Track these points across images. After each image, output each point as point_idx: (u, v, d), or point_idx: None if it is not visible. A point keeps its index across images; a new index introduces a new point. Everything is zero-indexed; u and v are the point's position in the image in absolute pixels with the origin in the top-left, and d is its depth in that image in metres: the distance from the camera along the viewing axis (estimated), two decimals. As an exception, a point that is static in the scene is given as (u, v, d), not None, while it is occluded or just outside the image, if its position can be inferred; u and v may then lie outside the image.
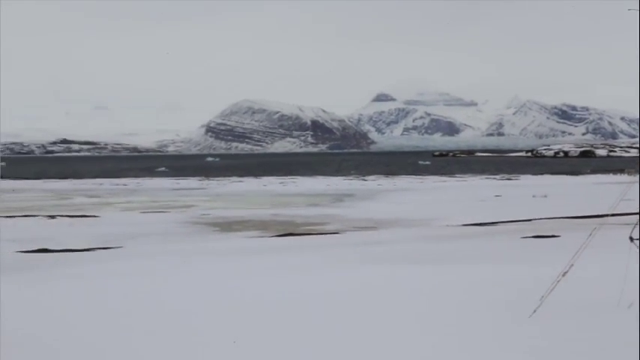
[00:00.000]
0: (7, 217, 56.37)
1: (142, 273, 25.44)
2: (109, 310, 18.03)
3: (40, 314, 18.16)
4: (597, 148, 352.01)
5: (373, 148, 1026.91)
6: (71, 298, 20.18)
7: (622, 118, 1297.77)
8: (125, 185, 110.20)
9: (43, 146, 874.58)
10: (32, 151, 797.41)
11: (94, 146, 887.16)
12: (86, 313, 17.55)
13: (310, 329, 14.76)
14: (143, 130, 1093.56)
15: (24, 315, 17.76)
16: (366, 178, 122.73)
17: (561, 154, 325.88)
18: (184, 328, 15.82)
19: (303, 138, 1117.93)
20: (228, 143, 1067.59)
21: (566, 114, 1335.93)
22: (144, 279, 23.70)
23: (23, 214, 59.10)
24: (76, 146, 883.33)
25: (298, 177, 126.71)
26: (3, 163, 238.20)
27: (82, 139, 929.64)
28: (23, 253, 33.74)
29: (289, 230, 44.77)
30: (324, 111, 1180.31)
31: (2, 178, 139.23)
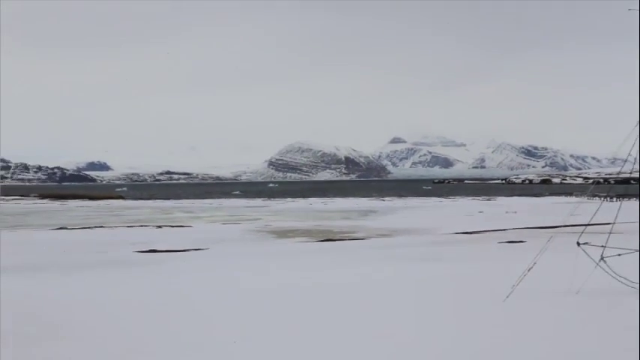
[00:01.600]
0: (127, 226, 56.87)
1: (223, 267, 25.90)
2: (202, 291, 18.85)
3: (159, 293, 18.82)
4: (553, 177, 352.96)
5: (390, 177, 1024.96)
6: (177, 283, 21.05)
7: (571, 155, 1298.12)
8: (210, 204, 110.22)
9: (153, 176, 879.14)
10: (145, 180, 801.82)
11: (188, 176, 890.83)
12: (188, 293, 18.30)
13: (346, 306, 15.16)
14: (224, 164, 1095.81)
15: (149, 294, 18.40)
16: (384, 198, 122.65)
17: (527, 181, 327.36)
18: (258, 302, 16.69)
19: (338, 170, 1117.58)
20: (284, 173, 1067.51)
21: (530, 152, 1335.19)
22: (225, 270, 24.57)
23: (139, 224, 59.43)
24: (175, 176, 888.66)
25: (335, 198, 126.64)
26: (124, 188, 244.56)
27: (180, 170, 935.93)
28: (139, 253, 33.94)
29: (328, 236, 44.62)
30: (353, 150, 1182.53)
31: (124, 199, 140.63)
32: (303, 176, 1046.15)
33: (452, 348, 10.41)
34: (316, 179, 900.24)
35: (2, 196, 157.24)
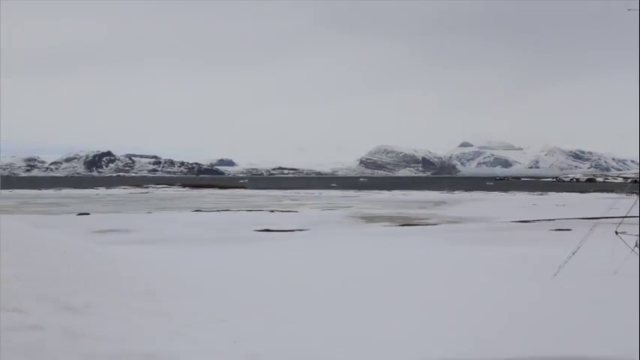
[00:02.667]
0: (247, 210, 57.66)
1: (322, 244, 25.89)
2: (307, 262, 18.45)
3: (274, 261, 18.58)
4: (597, 176, 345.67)
5: (458, 175, 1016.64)
6: (286, 254, 20.64)
7: (613, 159, 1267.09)
8: (312, 194, 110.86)
9: (268, 171, 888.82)
10: (262, 174, 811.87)
11: (295, 171, 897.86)
12: (296, 262, 17.71)
13: (429, 276, 14.94)
14: (324, 162, 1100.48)
15: (266, 262, 18.12)
16: (454, 192, 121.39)
17: (574, 180, 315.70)
18: (355, 269, 16.32)
19: (415, 168, 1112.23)
20: (372, 170, 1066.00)
21: (577, 155, 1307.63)
22: (324, 247, 24.42)
23: (257, 209, 60.12)
24: (286, 171, 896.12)
25: (413, 191, 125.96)
26: (246, 180, 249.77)
27: (290, 166, 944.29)
28: (257, 232, 34.54)
29: (407, 222, 44.47)
30: (429, 151, 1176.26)
31: (246, 188, 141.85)
32: (387, 173, 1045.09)
33: (509, 312, 10.39)
34: (398, 175, 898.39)
35: (154, 184, 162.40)
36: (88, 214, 50.51)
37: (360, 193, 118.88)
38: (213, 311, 8.86)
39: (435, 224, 41.98)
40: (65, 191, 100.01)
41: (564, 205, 68.57)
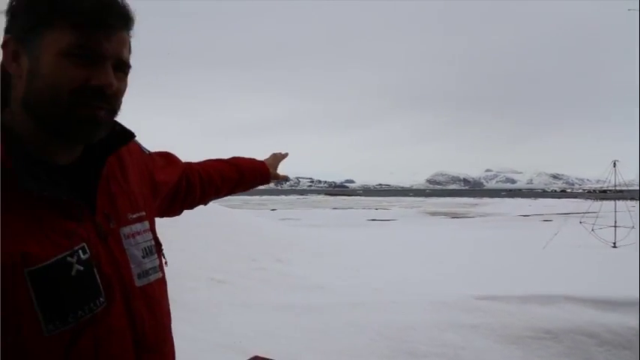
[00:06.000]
0: (362, 208, 57.00)
1: (405, 227, 25.19)
2: (397, 236, 17.10)
3: (379, 237, 16.89)
4: (567, 189, 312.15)
5: (484, 188, 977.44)
6: (387, 233, 19.61)
7: (576, 178, 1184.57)
8: (398, 199, 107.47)
9: (374, 186, 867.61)
10: (370, 188, 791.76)
11: (388, 186, 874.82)
12: (395, 238, 16.35)
13: (463, 245, 13.53)
14: (405, 180, 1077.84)
15: (374, 238, 16.10)
16: (482, 198, 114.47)
17: (554, 191, 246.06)
18: (424, 240, 15.11)
19: (459, 184, 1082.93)
20: (434, 185, 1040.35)
21: (556, 176, 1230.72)
22: (406, 228, 23.15)
23: (367, 208, 58.87)
24: (383, 186, 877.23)
25: (457, 197, 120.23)
26: (361, 191, 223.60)
27: (385, 183, 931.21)
28: (368, 220, 34.33)
29: (455, 215, 43.05)
30: (467, 174, 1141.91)
31: (361, 196, 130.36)
32: (442, 187, 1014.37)
33: (512, 270, 9.82)
34: (448, 188, 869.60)
35: (309, 194, 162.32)
36: (275, 209, 51.86)
37: (426, 199, 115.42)
38: (351, 264, 9.00)
39: (472, 217, 40.63)
40: (265, 197, 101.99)
41: (548, 206, 64.74)
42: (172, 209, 1.46)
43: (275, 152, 1.87)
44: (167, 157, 1.40)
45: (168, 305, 1.17)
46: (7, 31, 0.94)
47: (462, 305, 6.01)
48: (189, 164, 1.50)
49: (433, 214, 48.92)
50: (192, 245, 7.82)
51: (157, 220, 1.25)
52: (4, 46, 0.94)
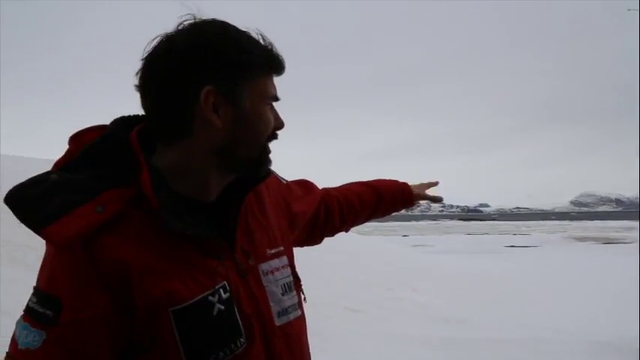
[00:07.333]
0: (499, 234, 53.77)
1: (548, 254, 23.25)
2: (546, 270, 15.86)
3: (522, 266, 16.05)
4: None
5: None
6: (529, 261, 18.37)
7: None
8: (538, 223, 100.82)
9: (510, 209, 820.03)
10: (506, 211, 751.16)
11: (527, 209, 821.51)
12: (533, 272, 14.98)
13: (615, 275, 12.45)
14: (546, 203, 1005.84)
15: (518, 267, 14.45)
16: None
17: None
18: (579, 280, 11.57)
19: (610, 205, 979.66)
20: (579, 208, 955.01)
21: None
22: (550, 256, 21.46)
23: (504, 233, 55.96)
24: (521, 209, 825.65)
25: (608, 221, 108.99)
26: (496, 215, 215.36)
27: (523, 206, 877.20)
28: (506, 247, 32.26)
29: (608, 241, 38.72)
30: (620, 194, 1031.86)
31: (496, 220, 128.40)
32: (589, 209, 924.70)
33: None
34: (597, 210, 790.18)
35: (442, 219, 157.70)
36: (407, 235, 51.02)
37: (571, 222, 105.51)
38: (491, 295, 8.39)
39: (629, 242, 36.14)
40: (396, 223, 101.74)
41: None
42: (312, 238, 1.43)
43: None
44: (304, 186, 1.38)
45: (308, 344, 1.13)
46: (198, 81, 0.94)
47: (626, 348, 5.22)
48: (326, 190, 1.46)
49: (581, 239, 44.00)
50: (325, 272, 7.87)
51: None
52: (205, 98, 0.94)
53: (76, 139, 0.99)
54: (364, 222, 1.56)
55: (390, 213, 1.61)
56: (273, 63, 0.99)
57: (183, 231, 0.90)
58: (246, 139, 0.98)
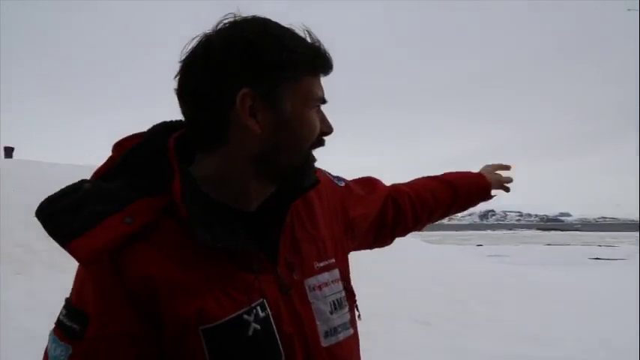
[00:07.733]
0: (581, 245, 50.61)
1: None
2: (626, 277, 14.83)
3: (616, 282, 15.61)
4: None
5: None
6: (615, 274, 17.17)
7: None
8: (625, 235, 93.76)
9: (594, 219, 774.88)
10: (589, 221, 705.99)
11: (614, 219, 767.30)
12: (621, 287, 12.88)
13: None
14: (635, 212, 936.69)
15: (606, 282, 13.66)
16: None
17: None
18: None
19: None
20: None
21: None
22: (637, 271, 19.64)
23: (587, 244, 52.50)
24: (607, 219, 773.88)
25: None
26: (579, 225, 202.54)
27: (609, 216, 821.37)
28: (590, 259, 30.12)
29: None
30: None
31: (579, 231, 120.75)
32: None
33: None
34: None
35: (518, 228, 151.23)
36: (481, 245, 49.18)
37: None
38: (573, 310, 7.81)
39: None
40: (470, 232, 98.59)
41: None
42: (382, 239, 1.33)
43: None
44: (367, 185, 1.28)
45: None
46: (233, 83, 0.87)
47: None
48: (395, 187, 1.35)
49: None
50: (392, 280, 7.68)
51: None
52: (241, 101, 0.87)
53: (119, 147, 0.95)
54: (438, 220, 1.44)
55: (466, 209, 1.47)
56: (318, 62, 0.92)
57: (212, 243, 0.84)
58: (287, 146, 0.91)
